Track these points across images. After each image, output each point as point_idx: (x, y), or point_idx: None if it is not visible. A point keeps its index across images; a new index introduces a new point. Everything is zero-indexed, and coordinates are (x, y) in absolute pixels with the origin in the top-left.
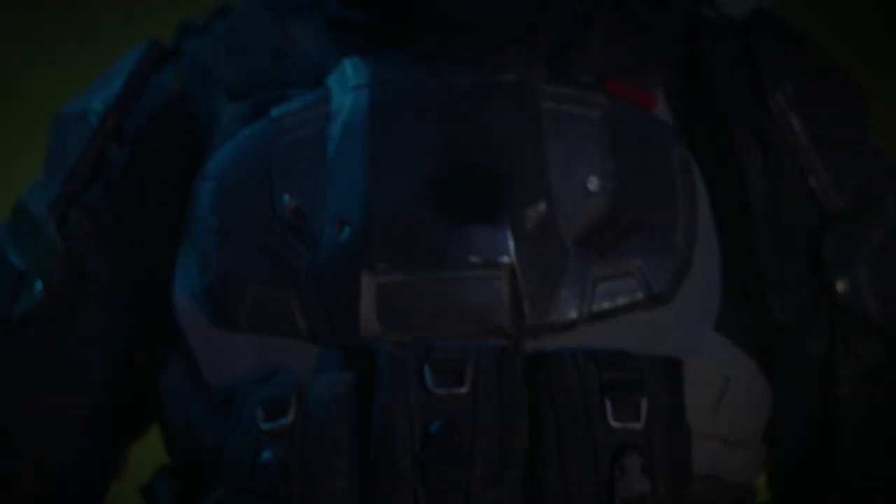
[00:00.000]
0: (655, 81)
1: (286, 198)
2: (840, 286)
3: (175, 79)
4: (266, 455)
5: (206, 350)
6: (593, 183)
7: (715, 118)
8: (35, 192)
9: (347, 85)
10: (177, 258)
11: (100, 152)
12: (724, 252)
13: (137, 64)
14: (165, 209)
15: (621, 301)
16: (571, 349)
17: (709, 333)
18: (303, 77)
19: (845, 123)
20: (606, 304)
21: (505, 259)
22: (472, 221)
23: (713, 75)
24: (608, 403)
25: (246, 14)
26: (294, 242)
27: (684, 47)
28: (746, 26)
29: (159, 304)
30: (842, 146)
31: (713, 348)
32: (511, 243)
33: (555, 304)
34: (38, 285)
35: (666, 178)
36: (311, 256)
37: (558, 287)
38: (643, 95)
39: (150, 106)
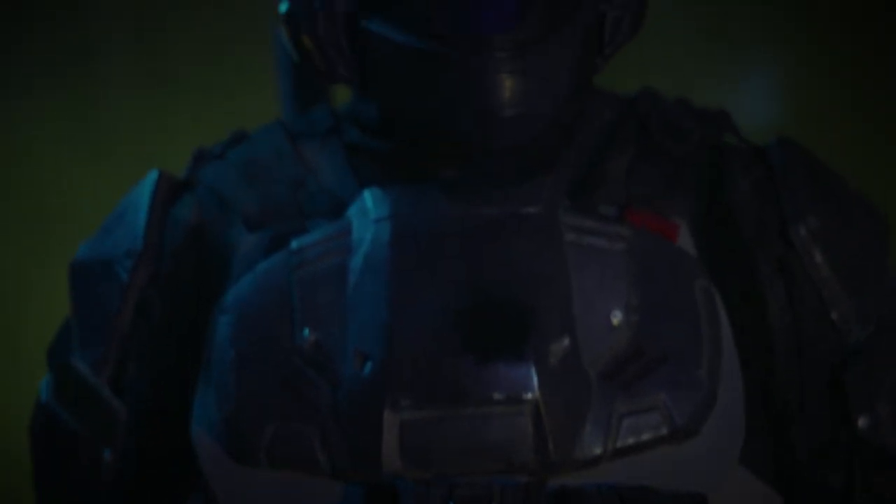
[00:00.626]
0: (679, 211)
1: (306, 331)
2: (861, 422)
3: (192, 210)
4: None
5: (225, 486)
6: (617, 317)
7: (738, 249)
8: (73, 349)
9: (368, 217)
10: (196, 393)
11: (135, 306)
12: (747, 384)
13: (152, 203)
14: (190, 343)
15: (646, 437)
16: (595, 484)
17: (734, 467)
18: (322, 207)
19: (868, 256)
20: (631, 440)
21: (528, 395)
22: (496, 357)
23: (737, 206)
24: None
25: (262, 141)
26: (314, 377)
27: (708, 176)
28: (770, 155)
29: (180, 439)
30: (864, 279)
31: (737, 481)
32: (535, 379)
33: (579, 440)
34: (107, 454)
35: (689, 310)
36: (332, 391)
37: (582, 423)
38: (666, 226)
39: (172, 242)
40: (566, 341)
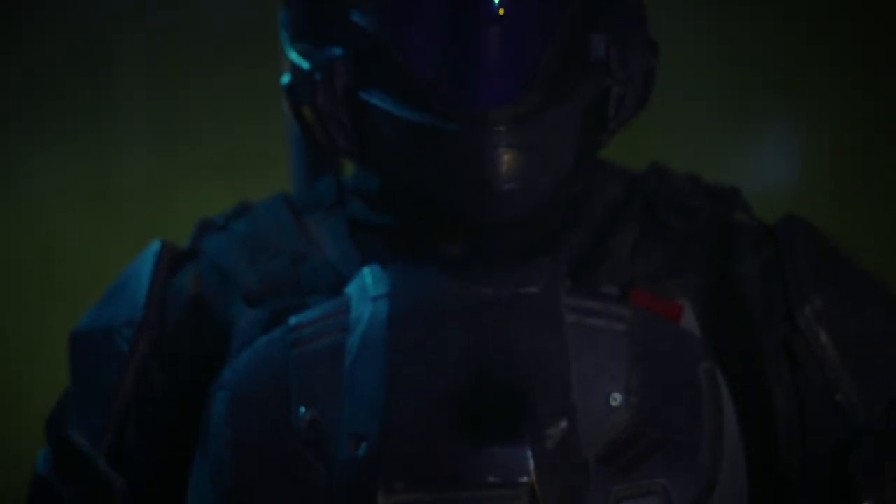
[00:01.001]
0: (684, 291)
1: (302, 410)
2: None
3: (194, 281)
4: None
5: None
6: (617, 399)
7: (744, 328)
8: (71, 420)
9: (367, 294)
10: (193, 467)
11: (135, 377)
12: (750, 465)
13: (154, 273)
14: (189, 415)
15: None
16: None
17: None
18: (323, 282)
19: (875, 337)
20: None
21: (524, 479)
22: (492, 440)
23: (744, 285)
24: None
25: (266, 213)
26: (310, 457)
27: (716, 254)
28: (777, 233)
29: None
30: (871, 361)
31: None
32: (531, 463)
33: None
34: None
35: (691, 393)
36: (327, 472)
37: None
38: (670, 307)
39: (173, 313)
40: (564, 424)
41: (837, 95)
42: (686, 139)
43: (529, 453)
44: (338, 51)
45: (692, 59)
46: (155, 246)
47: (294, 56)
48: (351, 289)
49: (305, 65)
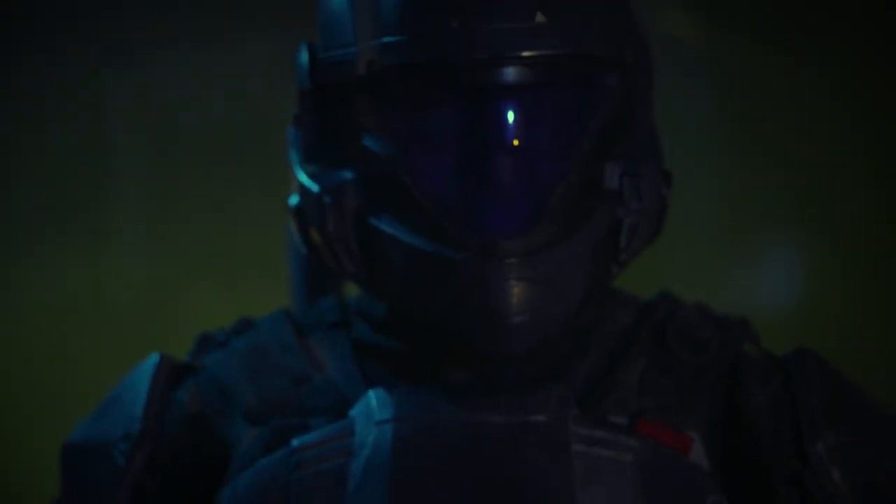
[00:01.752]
0: (693, 423)
1: None
2: None
3: (193, 398)
4: None
5: None
6: None
7: (753, 462)
8: None
9: (372, 419)
10: None
11: (131, 492)
12: None
13: (152, 386)
14: None
15: None
16: None
17: None
18: (325, 404)
19: (889, 474)
20: None
21: None
22: None
23: (753, 419)
24: None
25: (268, 331)
26: None
27: (726, 387)
28: (789, 367)
29: None
30: (885, 499)
31: None
32: None
33: None
34: None
35: None
36: None
37: None
38: (678, 439)
39: (171, 427)
40: None
41: (843, 223)
42: (688, 263)
43: None
44: (348, 174)
45: (696, 182)
46: (154, 358)
47: (303, 178)
48: (355, 412)
49: (315, 187)
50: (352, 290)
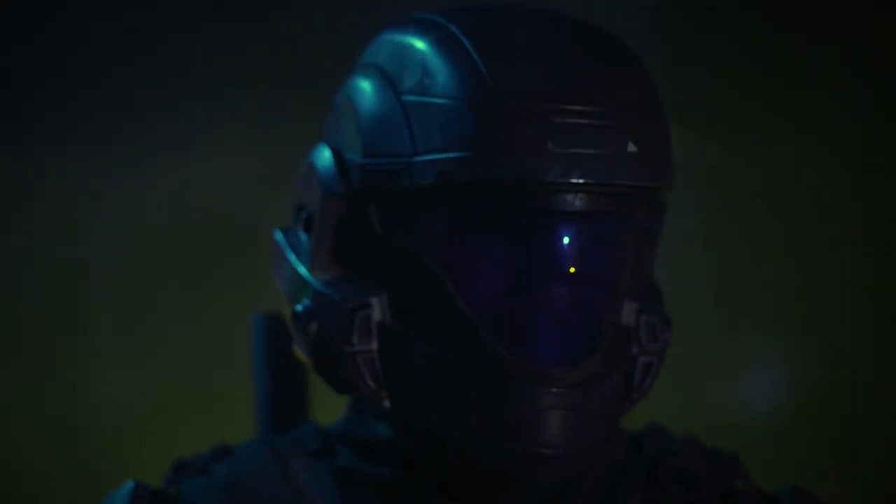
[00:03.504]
0: None
1: None
2: None
3: None
4: None
5: None
6: None
7: None
8: None
9: None
10: None
11: None
12: None
13: None
14: None
15: None
16: None
17: None
18: None
19: None
20: None
21: None
22: None
23: None
24: None
25: (249, 458)
26: None
27: None
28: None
29: None
30: None
31: None
32: None
33: None
34: None
35: None
36: None
37: None
38: None
39: None
40: None
41: (834, 326)
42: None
43: None
44: (376, 284)
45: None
46: (129, 485)
47: (317, 285)
48: None
49: (335, 296)
50: (324, 417)
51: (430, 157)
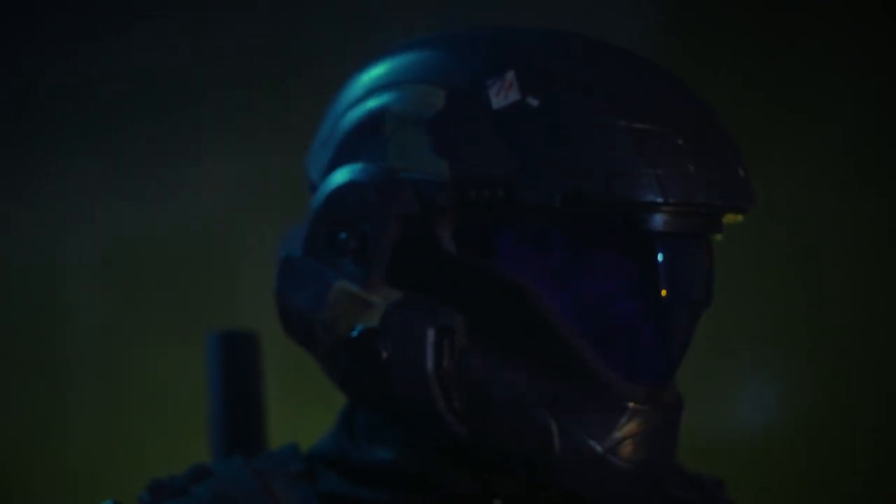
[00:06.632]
0: None
1: None
2: None
3: None
4: None
5: None
6: None
7: None
8: None
9: None
10: None
11: None
12: None
13: None
14: None
15: None
16: None
17: None
18: None
19: None
20: None
21: None
22: None
23: None
24: None
25: (231, 478)
26: None
27: None
28: None
29: None
30: None
31: None
32: None
33: None
34: None
35: None
36: None
37: None
38: None
39: None
40: None
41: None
42: None
43: None
44: (449, 305)
45: None
46: None
47: (389, 307)
48: None
49: (413, 317)
50: (281, 438)
51: (551, 178)
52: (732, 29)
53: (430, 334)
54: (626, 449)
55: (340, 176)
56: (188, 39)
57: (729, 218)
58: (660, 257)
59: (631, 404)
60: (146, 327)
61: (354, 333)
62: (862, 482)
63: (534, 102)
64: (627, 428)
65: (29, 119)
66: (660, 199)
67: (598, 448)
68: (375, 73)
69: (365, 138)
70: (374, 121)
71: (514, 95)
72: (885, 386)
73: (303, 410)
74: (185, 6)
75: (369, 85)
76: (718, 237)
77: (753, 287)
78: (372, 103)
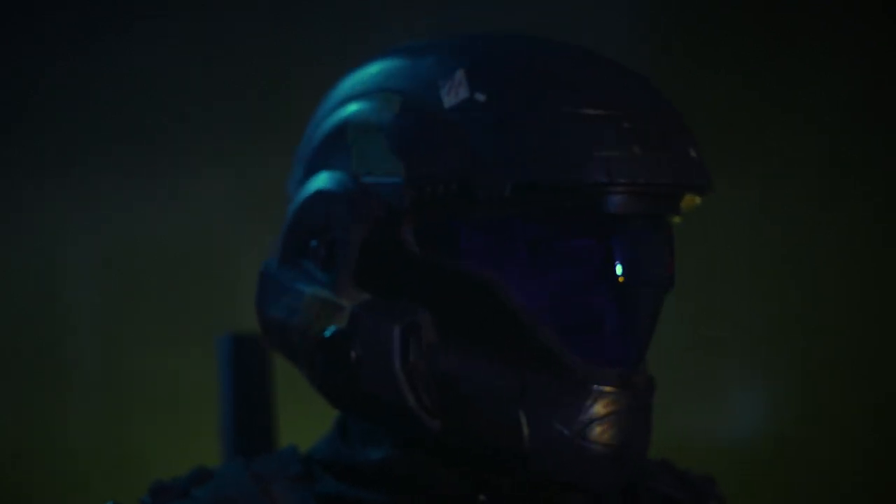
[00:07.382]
0: None
1: None
2: None
3: None
4: None
5: None
6: None
7: None
8: None
9: None
10: None
11: None
12: None
13: None
14: None
15: None
16: None
17: None
18: None
19: None
20: None
21: None
22: None
23: None
24: None
25: (230, 481)
26: None
27: None
28: None
29: None
30: None
31: None
32: None
33: None
34: None
35: None
36: None
37: None
38: None
39: None
40: None
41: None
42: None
43: None
44: (415, 303)
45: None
46: None
47: (356, 308)
48: None
49: (379, 316)
50: (290, 439)
51: (499, 169)
52: (732, 29)
53: (396, 332)
54: (595, 431)
55: (310, 186)
56: (188, 40)
57: (687, 200)
58: (613, 240)
59: (596, 387)
60: (146, 328)
61: (327, 335)
62: (854, 481)
63: (481, 97)
64: (594, 410)
65: (29, 119)
66: (605, 180)
67: (566, 432)
68: (344, 86)
69: (332, 148)
70: (339, 131)
71: (463, 93)
72: (879, 385)
73: (310, 412)
74: (185, 6)
75: (338, 98)
76: (677, 219)
77: (748, 287)
78: (339, 115)
